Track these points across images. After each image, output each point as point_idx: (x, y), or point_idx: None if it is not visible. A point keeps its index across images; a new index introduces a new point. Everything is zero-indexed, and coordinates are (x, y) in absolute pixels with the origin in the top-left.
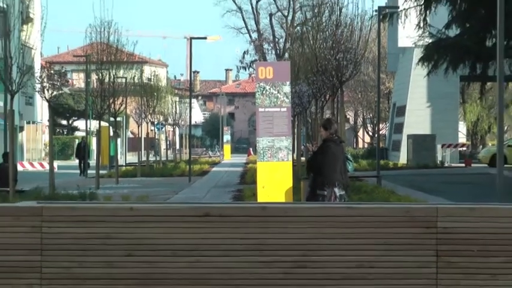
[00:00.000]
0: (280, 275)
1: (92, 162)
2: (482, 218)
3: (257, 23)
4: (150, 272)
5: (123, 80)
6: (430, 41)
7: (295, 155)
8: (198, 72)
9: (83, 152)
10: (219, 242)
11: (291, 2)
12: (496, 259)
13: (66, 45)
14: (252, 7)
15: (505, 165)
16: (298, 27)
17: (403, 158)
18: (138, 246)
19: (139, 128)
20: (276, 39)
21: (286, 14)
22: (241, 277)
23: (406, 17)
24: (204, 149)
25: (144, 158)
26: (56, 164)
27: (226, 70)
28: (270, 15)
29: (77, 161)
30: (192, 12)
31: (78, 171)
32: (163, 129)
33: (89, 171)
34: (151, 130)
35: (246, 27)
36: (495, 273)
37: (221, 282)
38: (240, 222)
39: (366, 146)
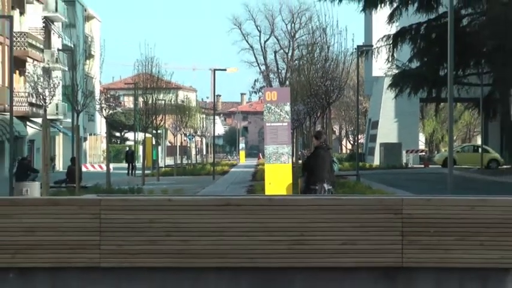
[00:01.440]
0: (283, 250)
1: (139, 164)
2: (437, 206)
3: (265, 58)
4: (183, 248)
5: (163, 102)
6: (397, 71)
7: (293, 159)
8: (219, 95)
9: (130, 157)
10: (236, 225)
11: (291, 42)
12: (448, 238)
13: (119, 75)
14: (261, 46)
15: (454, 166)
16: (296, 61)
17: (376, 161)
18: (174, 228)
19: (175, 138)
20: (279, 71)
21: (287, 51)
22: (253, 252)
23: (378, 53)
24: (225, 154)
25: (178, 161)
26: (111, 166)
27: (242, 94)
28: (275, 52)
29: (126, 165)
30: (215, 50)
31: (126, 172)
32: (193, 139)
33: (137, 172)
34: (184, 140)
35: (256, 61)
36: (447, 248)
37: (238, 256)
38: (252, 210)
39: (348, 151)
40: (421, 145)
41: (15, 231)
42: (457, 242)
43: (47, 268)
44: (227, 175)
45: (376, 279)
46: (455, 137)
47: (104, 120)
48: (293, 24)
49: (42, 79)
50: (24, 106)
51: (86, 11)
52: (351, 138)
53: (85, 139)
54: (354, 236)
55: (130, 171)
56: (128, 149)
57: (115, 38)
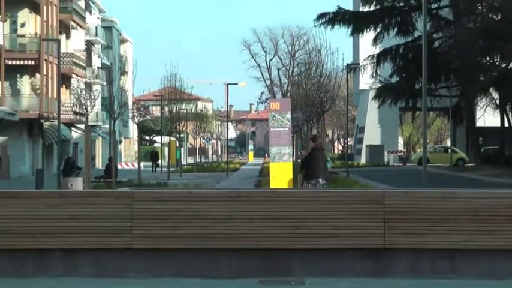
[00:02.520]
0: (285, 234)
1: (164, 163)
2: (413, 198)
3: (269, 74)
4: (201, 232)
5: (185, 111)
6: (380, 85)
7: (293, 158)
8: (232, 105)
9: (154, 157)
10: (245, 213)
11: (291, 61)
12: (422, 224)
13: (148, 88)
14: (266, 64)
15: (428, 164)
16: (296, 77)
17: (363, 160)
18: (194, 216)
19: (195, 141)
20: (282, 85)
21: (288, 68)
22: (260, 235)
23: (364, 70)
24: (236, 154)
25: (198, 160)
26: (141, 164)
27: (250, 104)
28: (278, 69)
29: (150, 163)
30: (228, 67)
31: (151, 169)
32: (210, 141)
33: (163, 169)
34: (203, 142)
35: (263, 77)
36: (421, 233)
37: (247, 239)
38: (259, 201)
39: (339, 152)
40: (400, 147)
41: (62, 218)
42: (429, 227)
43: (88, 249)
44: (238, 172)
45: (363, 258)
46: (428, 140)
47: (135, 126)
48: (293, 46)
49: (84, 92)
50: (70, 114)
51: (120, 35)
52: (341, 141)
53: (120, 142)
54: (344, 222)
55: (154, 169)
56: (152, 150)
57: (145, 57)
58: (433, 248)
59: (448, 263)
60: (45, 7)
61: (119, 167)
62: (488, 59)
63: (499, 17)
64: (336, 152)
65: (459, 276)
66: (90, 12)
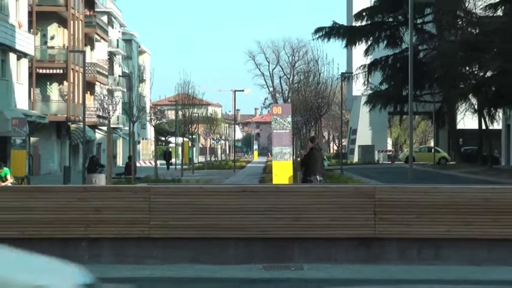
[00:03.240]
0: (286, 224)
1: (178, 161)
2: (401, 192)
3: (272, 82)
4: (211, 223)
5: (196, 114)
6: (371, 92)
7: (293, 157)
8: (238, 110)
9: (167, 156)
10: (251, 206)
11: (292, 70)
12: (409, 216)
13: (164, 94)
14: (269, 73)
15: (414, 163)
16: (296, 84)
17: (355, 158)
18: (205, 208)
19: (206, 141)
20: (283, 91)
21: (289, 77)
22: (264, 226)
23: (357, 78)
24: (242, 153)
25: (208, 159)
26: (158, 162)
27: (255, 108)
28: (280, 77)
29: (164, 161)
30: (235, 76)
31: (166, 167)
32: (219, 142)
33: (177, 167)
34: (212, 143)
35: (266, 84)
36: (409, 224)
37: (252, 229)
38: (263, 195)
39: (334, 151)
40: (389, 146)
41: (87, 211)
42: (416, 219)
43: (110, 238)
44: (244, 169)
45: (355, 246)
46: (414, 141)
47: (152, 128)
48: (293, 57)
49: (106, 98)
50: (94, 118)
51: (139, 47)
52: (336, 142)
53: (138, 142)
54: (339, 214)
55: (167, 167)
56: (166, 149)
57: (161, 66)
58: (419, 237)
59: (432, 250)
60: (72, 22)
61: (138, 164)
62: (467, 68)
63: (477, 31)
64: (331, 151)
65: (443, 263)
66: (112, 27)
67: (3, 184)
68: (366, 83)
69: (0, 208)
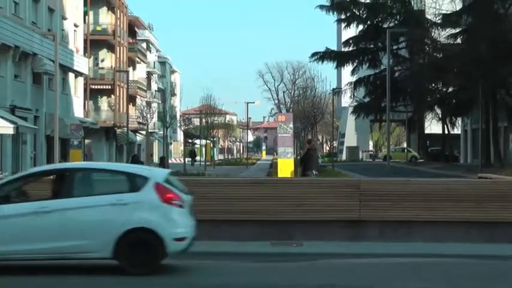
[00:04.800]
0: (289, 210)
1: (202, 159)
2: (380, 184)
3: (277, 95)
4: (229, 208)
5: (216, 122)
6: (356, 104)
7: (294, 156)
8: (250, 117)
9: (192, 154)
10: (262, 194)
11: (293, 86)
12: (387, 203)
13: (191, 105)
14: (275, 88)
15: (391, 160)
16: (296, 97)
17: (344, 157)
18: (224, 196)
19: (224, 143)
20: (286, 103)
21: (291, 91)
22: (271, 211)
23: (345, 93)
24: (253, 152)
25: (226, 157)
26: (186, 160)
27: (263, 117)
28: (283, 92)
29: (189, 159)
30: (247, 90)
31: (191, 164)
32: (235, 143)
33: (201, 163)
34: (229, 144)
35: (272, 97)
36: (387, 209)
37: (262, 213)
38: (270, 185)
39: (327, 151)
40: (370, 147)
41: None
42: (392, 205)
43: None
44: (255, 165)
45: (344, 227)
46: (391, 143)
47: (181, 132)
48: (294, 75)
49: (145, 108)
50: (135, 124)
51: (171, 67)
52: (328, 143)
53: (170, 143)
54: (331, 201)
55: (192, 163)
56: (191, 148)
57: (189, 82)
58: (394, 220)
59: (405, 230)
60: (118, 48)
61: (170, 161)
62: (433, 85)
63: (441, 55)
64: (324, 151)
65: (413, 240)
66: (150, 51)
67: None
68: (352, 96)
69: None
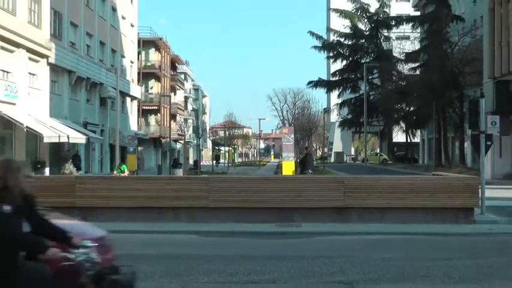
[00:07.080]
0: (291, 199)
1: (225, 161)
2: (359, 180)
3: (282, 113)
4: (246, 198)
5: (236, 133)
6: (341, 119)
7: (295, 159)
8: (262, 130)
9: (216, 158)
10: (271, 188)
11: (294, 106)
12: (364, 193)
13: (218, 120)
14: (280, 108)
15: (368, 162)
16: (297, 115)
17: (332, 160)
18: (243, 189)
19: (242, 149)
20: (289, 119)
21: (292, 110)
22: (277, 200)
23: (333, 111)
24: (264, 156)
25: (244, 160)
26: (213, 162)
27: (272, 129)
28: (287, 110)
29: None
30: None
31: (216, 165)
32: (250, 150)
33: (225, 165)
34: (247, 150)
35: (278, 115)
36: (364, 198)
37: (271, 202)
38: (277, 181)
39: (319, 155)
40: (352, 152)
41: (171, 191)
42: (369, 195)
43: (185, 208)
44: (265, 166)
45: (332, 213)
46: (367, 149)
47: (210, 141)
48: (295, 98)
49: (183, 123)
50: (175, 135)
51: (203, 93)
52: (321, 149)
53: (202, 149)
54: (323, 193)
55: (217, 164)
56: (216, 153)
57: (216, 103)
58: (370, 207)
59: (379, 215)
60: (163, 78)
61: (201, 163)
62: (399, 105)
63: (404, 83)
64: (318, 155)
65: (385, 222)
66: (187, 81)
67: (122, 175)
68: (338, 114)
69: (123, 189)
